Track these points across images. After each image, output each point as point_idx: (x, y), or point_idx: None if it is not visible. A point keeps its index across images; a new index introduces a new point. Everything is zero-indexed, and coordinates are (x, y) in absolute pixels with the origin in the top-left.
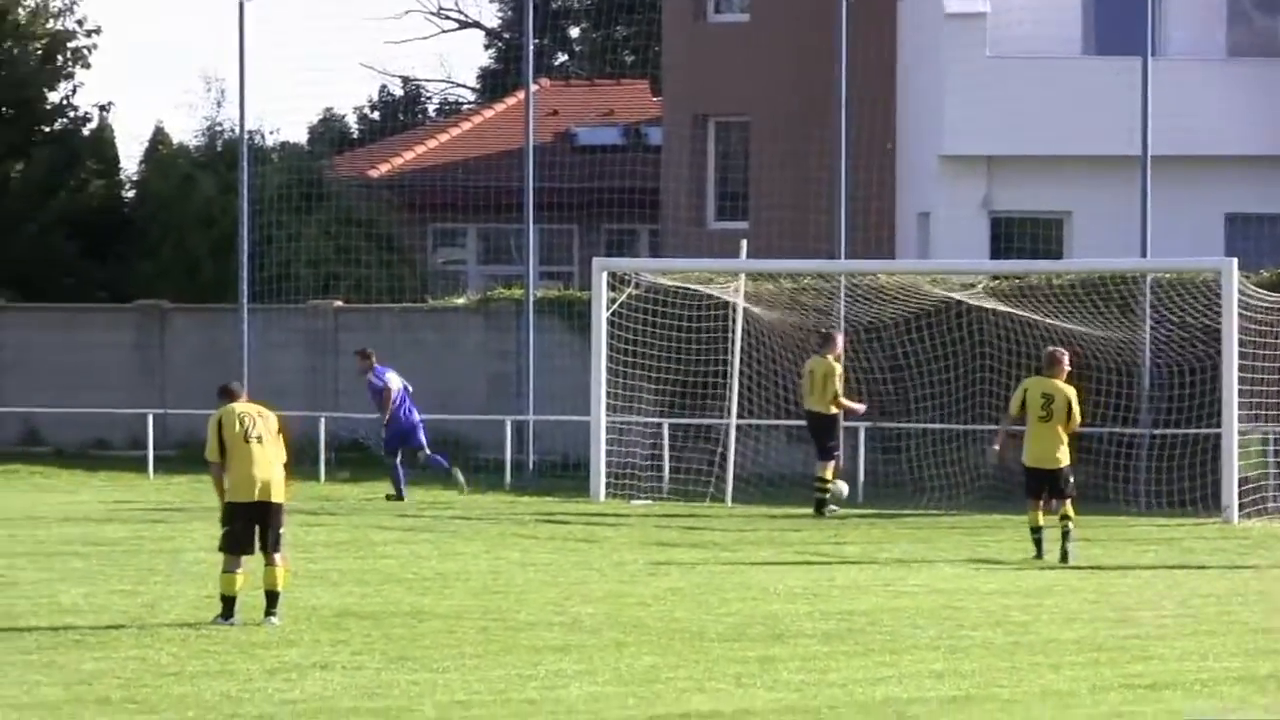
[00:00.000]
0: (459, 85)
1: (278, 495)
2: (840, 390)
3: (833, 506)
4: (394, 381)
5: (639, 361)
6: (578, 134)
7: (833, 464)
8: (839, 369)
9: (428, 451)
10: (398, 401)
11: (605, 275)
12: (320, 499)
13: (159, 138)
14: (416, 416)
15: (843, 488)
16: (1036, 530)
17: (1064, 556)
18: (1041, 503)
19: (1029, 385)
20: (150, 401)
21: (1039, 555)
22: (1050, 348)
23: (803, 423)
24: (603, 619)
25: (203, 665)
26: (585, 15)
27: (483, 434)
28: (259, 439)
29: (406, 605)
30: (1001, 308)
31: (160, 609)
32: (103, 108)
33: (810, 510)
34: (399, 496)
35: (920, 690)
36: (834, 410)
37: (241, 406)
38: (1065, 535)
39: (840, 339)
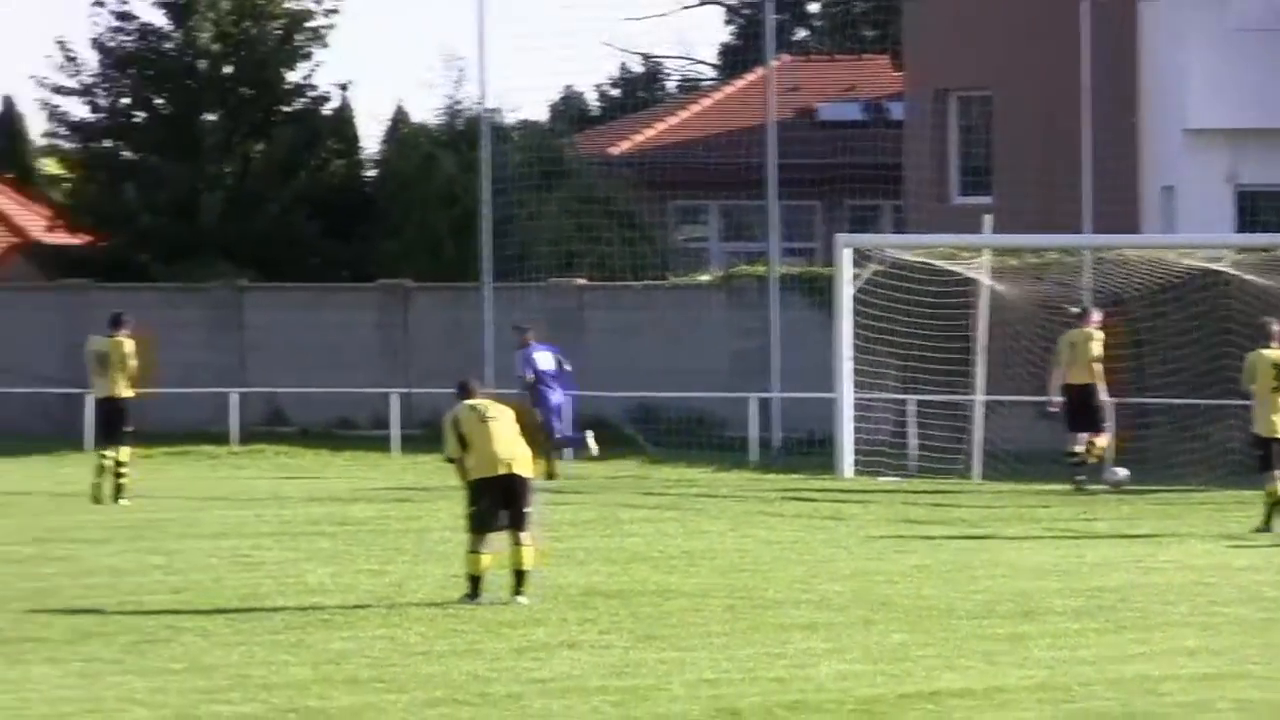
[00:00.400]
0: (699, 62)
1: (523, 469)
2: (1100, 359)
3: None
4: (543, 362)
5: (883, 337)
6: (819, 110)
7: (1104, 435)
8: (1099, 338)
9: (559, 435)
10: (545, 382)
11: (849, 252)
12: (566, 477)
13: (400, 117)
14: (559, 398)
15: (1121, 473)
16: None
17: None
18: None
19: (1256, 357)
20: (394, 381)
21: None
22: (1264, 318)
23: (1047, 398)
24: (850, 596)
25: (450, 644)
26: None
27: (726, 411)
28: (495, 419)
29: (653, 584)
30: (1251, 278)
31: (407, 588)
32: (343, 87)
33: (1068, 485)
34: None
35: (1173, 667)
36: (1094, 381)
37: (475, 400)
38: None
39: (1097, 312)
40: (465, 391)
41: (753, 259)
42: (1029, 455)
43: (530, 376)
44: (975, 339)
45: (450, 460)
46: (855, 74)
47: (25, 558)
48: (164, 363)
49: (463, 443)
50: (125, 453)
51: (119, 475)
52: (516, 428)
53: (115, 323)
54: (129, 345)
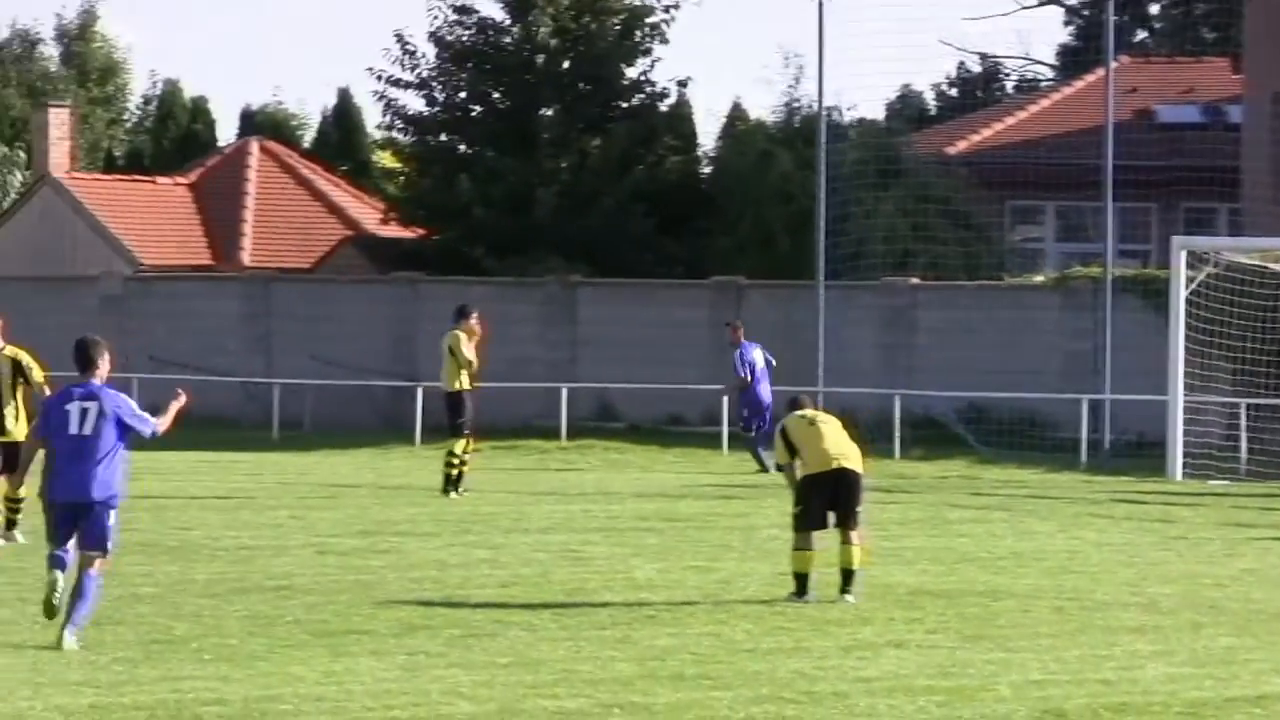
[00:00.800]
0: (1037, 62)
1: (854, 463)
2: None
3: None
4: (758, 359)
5: (1217, 340)
6: (1158, 112)
7: None
8: None
9: (766, 432)
10: (757, 378)
11: (1184, 254)
12: (894, 476)
13: (737, 113)
14: (769, 395)
15: None
16: None
17: None
18: None
19: None
20: (725, 378)
21: None
22: None
23: None
24: (1179, 599)
25: (776, 642)
26: None
27: (1058, 412)
28: (824, 422)
29: (981, 584)
30: None
31: (734, 585)
32: (681, 83)
33: None
34: (763, 469)
35: None
36: None
37: (804, 411)
38: None
39: None
40: (795, 405)
41: (1087, 260)
42: None
43: (747, 375)
44: None
45: (779, 468)
46: (1194, 76)
47: (351, 550)
48: (495, 357)
49: (792, 450)
50: (459, 445)
51: (449, 466)
52: (845, 432)
53: (459, 314)
54: (454, 338)
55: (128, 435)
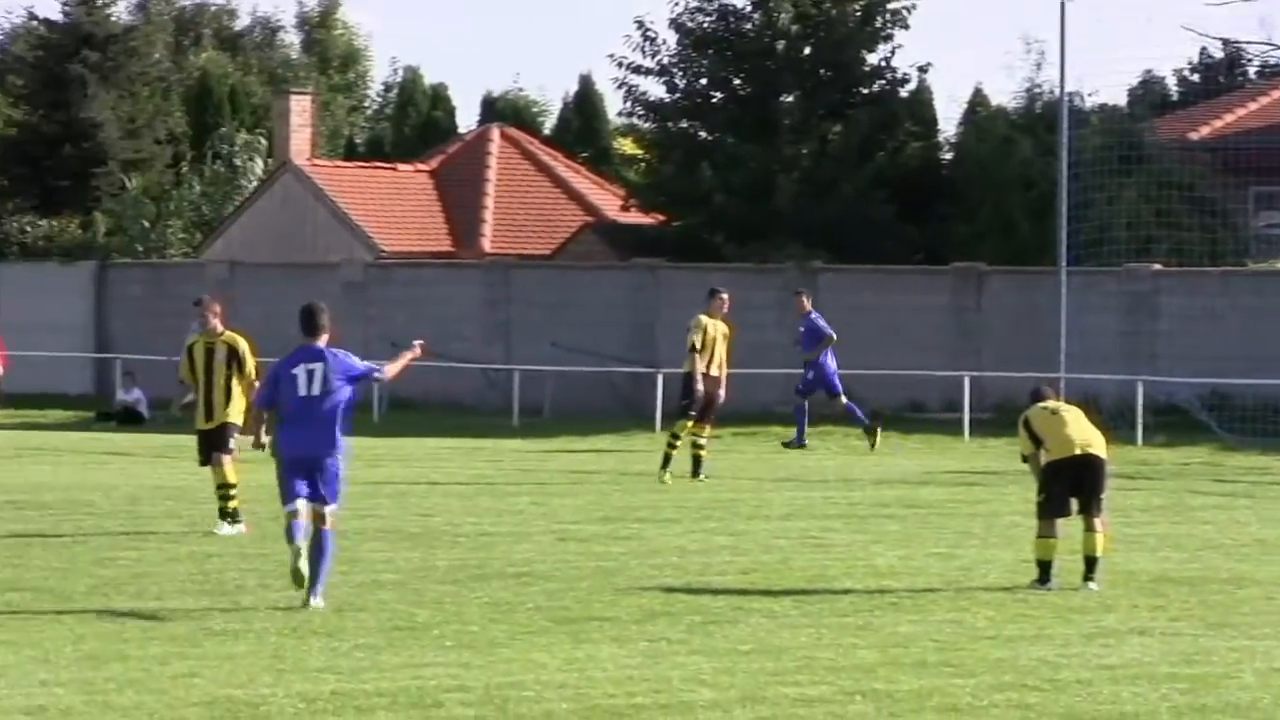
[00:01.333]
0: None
1: (1098, 450)
2: None
3: None
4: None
5: None
6: None
7: None
8: None
9: (845, 400)
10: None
11: None
12: (1137, 463)
13: (978, 99)
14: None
15: None
16: None
17: None
18: None
19: None
20: (966, 364)
21: None
22: None
23: None
24: None
25: (1019, 629)
26: None
27: None
28: (1067, 410)
29: (1225, 571)
30: None
31: (976, 573)
32: (921, 69)
33: None
34: (800, 443)
35: None
36: None
37: (1047, 403)
38: None
39: None
40: (1038, 396)
41: None
42: None
43: (833, 333)
44: None
45: (1024, 459)
46: None
47: (591, 536)
48: (735, 343)
49: (1035, 440)
50: (679, 426)
51: (668, 446)
52: (1087, 420)
53: (707, 297)
54: (694, 321)
55: (358, 386)
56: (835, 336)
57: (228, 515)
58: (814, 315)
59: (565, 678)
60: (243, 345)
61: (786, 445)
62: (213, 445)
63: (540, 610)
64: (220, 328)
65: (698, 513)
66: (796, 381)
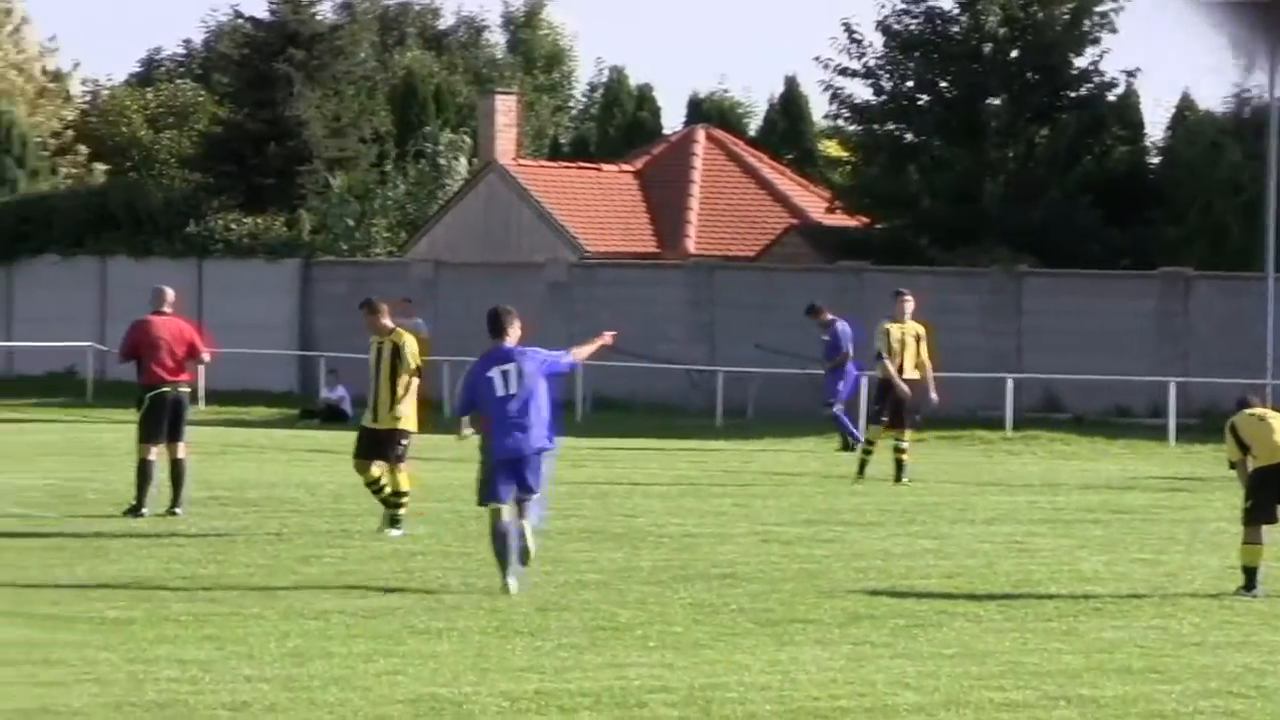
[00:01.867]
0: None
1: None
2: None
3: None
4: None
5: None
6: None
7: None
8: None
9: (841, 407)
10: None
11: None
12: None
13: (1186, 104)
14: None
15: None
16: None
17: None
18: None
19: None
20: (1172, 369)
21: None
22: None
23: None
24: None
25: (1225, 636)
26: None
27: None
28: (1273, 418)
29: None
30: None
31: (1181, 579)
32: (1129, 73)
33: None
34: (855, 442)
35: None
36: None
37: (1254, 409)
38: None
39: None
40: (1245, 404)
41: None
42: None
43: (849, 349)
44: None
45: (1231, 465)
46: None
47: (795, 539)
48: (938, 347)
49: (1243, 447)
50: (868, 431)
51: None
52: None
53: (894, 299)
54: (880, 326)
55: (554, 379)
56: (850, 353)
57: (397, 521)
58: (839, 326)
59: (768, 680)
60: (406, 341)
61: (842, 449)
62: (377, 446)
63: (743, 612)
64: (389, 325)
65: (901, 516)
66: (824, 395)
